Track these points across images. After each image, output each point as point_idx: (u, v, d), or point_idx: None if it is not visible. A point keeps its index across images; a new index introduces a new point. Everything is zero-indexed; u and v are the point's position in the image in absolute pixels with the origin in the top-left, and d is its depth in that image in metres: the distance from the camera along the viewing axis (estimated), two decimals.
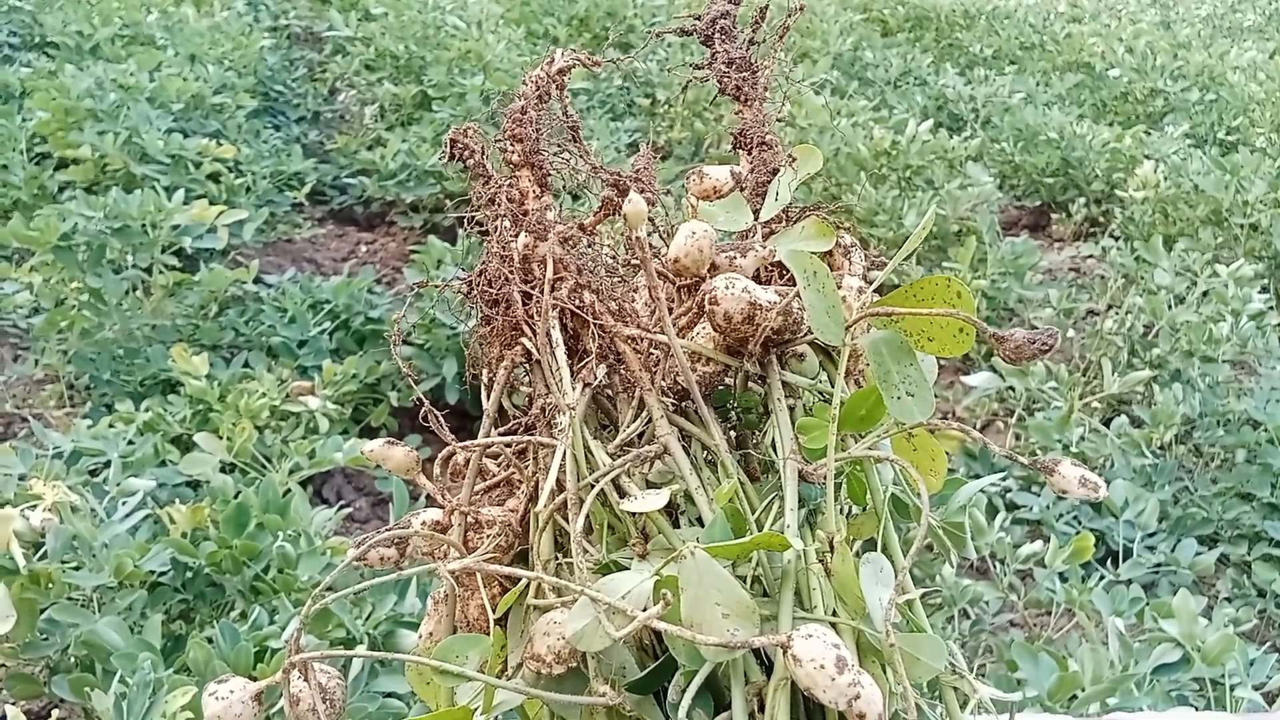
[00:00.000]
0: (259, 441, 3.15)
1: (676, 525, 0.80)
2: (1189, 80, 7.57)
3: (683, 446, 0.81)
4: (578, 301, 0.83)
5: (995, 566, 3.00)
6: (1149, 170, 5.30)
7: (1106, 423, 3.84)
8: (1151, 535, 3.29)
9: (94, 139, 4.36)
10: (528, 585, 0.77)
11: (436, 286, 0.90)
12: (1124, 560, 3.15)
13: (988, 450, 2.76)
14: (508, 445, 0.85)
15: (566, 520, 0.77)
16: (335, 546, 2.40)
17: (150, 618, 2.19)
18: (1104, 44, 8.42)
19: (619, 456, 0.79)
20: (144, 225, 3.75)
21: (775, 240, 0.89)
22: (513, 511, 0.82)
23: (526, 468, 0.84)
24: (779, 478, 0.79)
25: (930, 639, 0.73)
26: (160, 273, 3.90)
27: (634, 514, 0.77)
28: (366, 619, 2.16)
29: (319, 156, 5.79)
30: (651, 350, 0.83)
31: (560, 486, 0.78)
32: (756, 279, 0.88)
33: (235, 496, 2.51)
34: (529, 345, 0.84)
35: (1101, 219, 5.88)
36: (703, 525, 0.77)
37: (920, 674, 0.73)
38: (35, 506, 2.27)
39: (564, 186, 0.90)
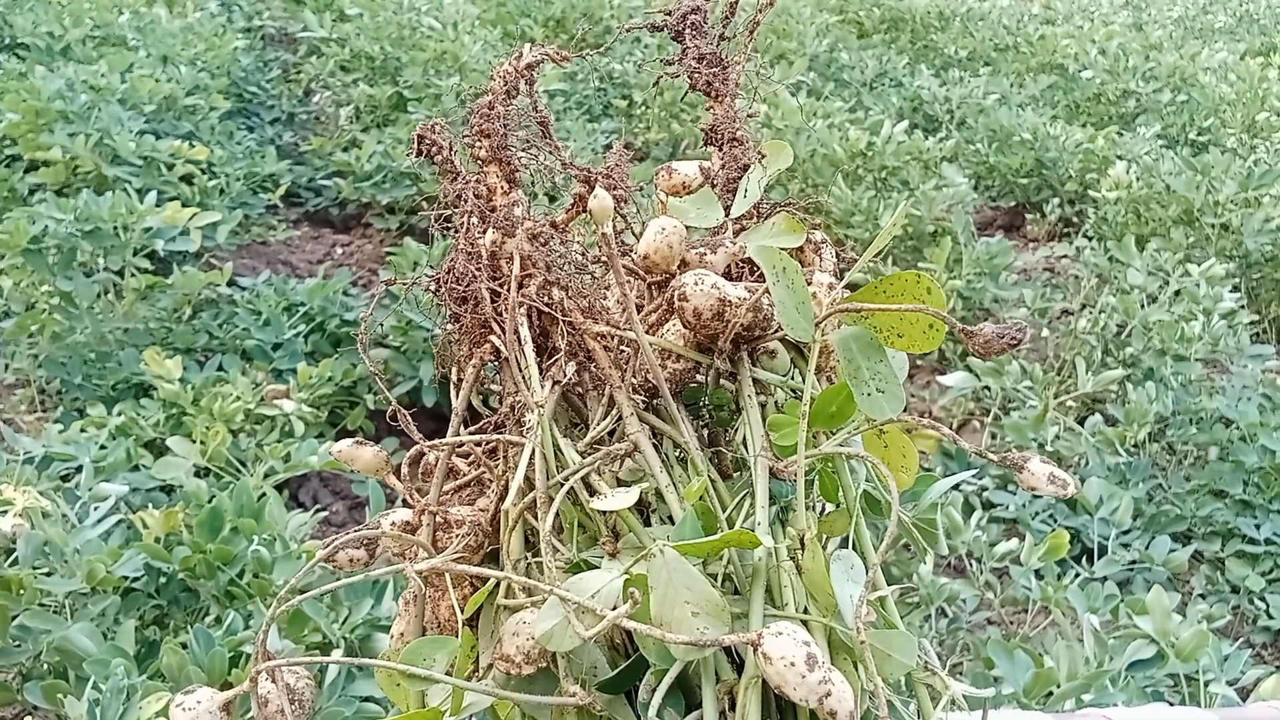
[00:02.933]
0: (233, 445, 3.13)
1: (648, 523, 0.79)
2: (1161, 81, 7.63)
3: (653, 444, 0.80)
4: (546, 298, 0.82)
5: (971, 565, 3.01)
6: (1121, 171, 5.34)
7: (1081, 421, 3.86)
8: (1126, 533, 3.31)
9: (65, 141, 4.31)
10: (497, 585, 0.76)
11: (404, 285, 0.89)
12: (1099, 557, 3.17)
13: (962, 448, 2.77)
14: (477, 444, 0.84)
15: (536, 519, 0.76)
16: (310, 550, 2.38)
17: (123, 624, 2.17)
18: (1077, 45, 8.47)
19: (589, 454, 0.78)
20: (116, 228, 3.71)
21: (746, 236, 0.89)
22: (482, 511, 0.82)
23: (496, 467, 0.83)
24: (750, 475, 0.79)
25: (901, 635, 0.73)
26: (132, 276, 3.86)
27: (604, 512, 0.76)
28: (343, 623, 2.14)
29: (294, 158, 5.76)
30: (621, 347, 0.83)
31: (530, 485, 0.77)
32: (727, 275, 0.87)
33: (209, 501, 2.49)
34: (498, 343, 0.83)
35: (1075, 219, 5.92)
36: (674, 523, 0.77)
37: (892, 671, 0.72)
38: (6, 512, 2.24)
39: (538, 187, 0.89)
